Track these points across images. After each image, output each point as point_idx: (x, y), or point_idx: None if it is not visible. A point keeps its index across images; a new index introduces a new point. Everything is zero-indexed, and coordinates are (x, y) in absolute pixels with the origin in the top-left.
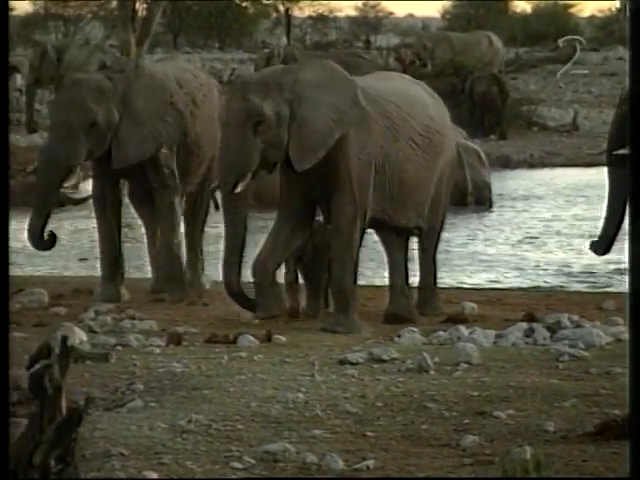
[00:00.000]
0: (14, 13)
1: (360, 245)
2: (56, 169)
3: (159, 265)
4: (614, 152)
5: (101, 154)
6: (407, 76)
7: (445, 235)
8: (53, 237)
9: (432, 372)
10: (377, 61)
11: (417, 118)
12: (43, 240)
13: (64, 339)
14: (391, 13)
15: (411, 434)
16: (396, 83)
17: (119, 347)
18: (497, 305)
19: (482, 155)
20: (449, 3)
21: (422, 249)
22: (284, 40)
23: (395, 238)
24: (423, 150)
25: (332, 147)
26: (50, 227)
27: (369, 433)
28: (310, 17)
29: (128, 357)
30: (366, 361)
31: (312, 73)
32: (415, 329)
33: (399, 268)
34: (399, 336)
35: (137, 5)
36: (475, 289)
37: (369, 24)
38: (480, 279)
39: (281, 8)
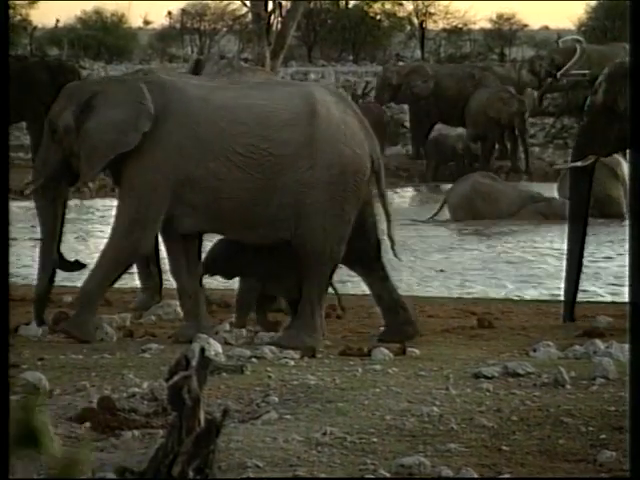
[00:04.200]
0: (151, 27)
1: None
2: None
3: None
4: (572, 164)
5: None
6: (305, 85)
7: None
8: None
9: (568, 386)
10: (510, 74)
11: (240, 137)
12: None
13: (202, 351)
14: (526, 25)
15: (547, 449)
16: (253, 94)
17: (254, 359)
18: None
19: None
20: (585, 15)
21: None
22: (418, 53)
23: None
24: (245, 170)
25: (121, 161)
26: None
27: (505, 447)
28: (444, 30)
29: (263, 369)
30: (501, 375)
31: (109, 88)
32: (551, 343)
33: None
34: (534, 350)
35: (272, 19)
36: (611, 302)
37: (504, 36)
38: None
39: (415, 21)
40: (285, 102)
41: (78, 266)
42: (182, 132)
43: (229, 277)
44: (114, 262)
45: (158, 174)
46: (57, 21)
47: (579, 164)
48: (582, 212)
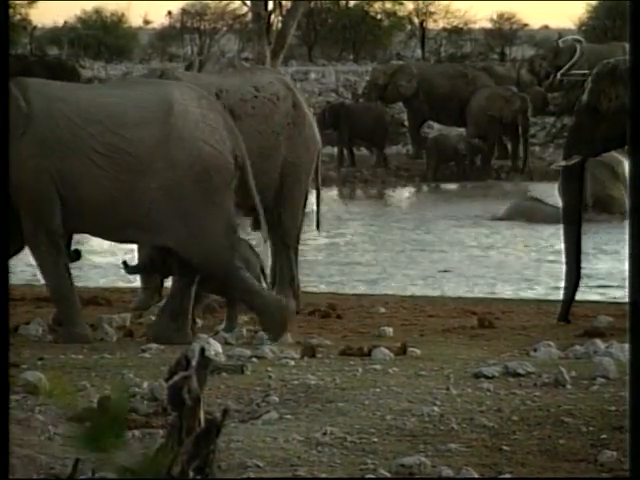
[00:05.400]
0: (150, 26)
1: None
2: None
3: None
4: (557, 164)
5: None
6: (165, 84)
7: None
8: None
9: (569, 386)
10: (510, 73)
11: (99, 136)
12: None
13: (202, 350)
14: (526, 25)
15: (548, 449)
16: (111, 93)
17: (254, 359)
18: None
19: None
20: (585, 14)
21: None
22: (418, 52)
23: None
24: (105, 170)
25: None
26: None
27: (505, 447)
28: (445, 29)
29: (263, 369)
30: (502, 375)
31: None
32: (551, 343)
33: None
34: (535, 350)
35: (272, 18)
36: (611, 302)
37: (504, 36)
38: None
39: (415, 20)
40: (141, 101)
41: (75, 256)
42: (46, 132)
43: (164, 276)
44: (45, 264)
45: (36, 173)
46: (65, 22)
47: (563, 164)
48: (575, 212)
